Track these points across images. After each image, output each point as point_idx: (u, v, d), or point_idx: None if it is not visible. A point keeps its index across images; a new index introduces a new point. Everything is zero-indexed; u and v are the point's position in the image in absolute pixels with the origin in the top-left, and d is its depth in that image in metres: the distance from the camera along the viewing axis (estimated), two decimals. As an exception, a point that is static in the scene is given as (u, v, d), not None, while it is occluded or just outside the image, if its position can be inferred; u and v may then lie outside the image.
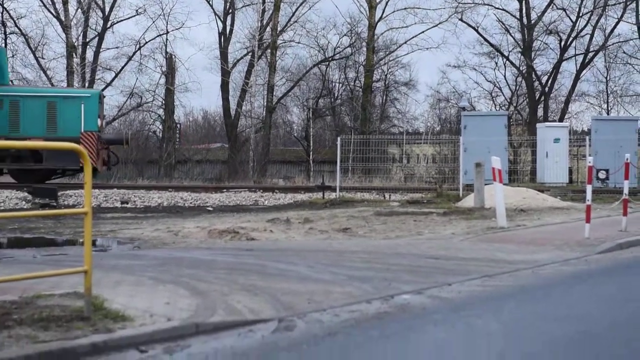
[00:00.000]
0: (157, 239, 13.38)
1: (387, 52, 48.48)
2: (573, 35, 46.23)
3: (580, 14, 45.73)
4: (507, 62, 48.37)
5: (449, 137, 40.35)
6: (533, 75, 46.99)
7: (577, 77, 47.10)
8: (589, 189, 13.08)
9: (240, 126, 47.37)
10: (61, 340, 5.23)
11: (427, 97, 66.10)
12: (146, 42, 45.67)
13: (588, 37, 46.40)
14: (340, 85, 51.46)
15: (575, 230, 13.48)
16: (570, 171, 30.89)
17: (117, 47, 45.80)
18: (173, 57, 45.30)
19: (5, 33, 43.82)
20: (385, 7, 46.21)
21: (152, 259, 10.27)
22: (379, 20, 46.03)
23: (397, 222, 15.94)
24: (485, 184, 19.12)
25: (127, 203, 22.72)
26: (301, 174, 43.18)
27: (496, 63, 49.32)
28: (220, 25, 46.25)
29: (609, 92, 50.61)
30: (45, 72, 43.73)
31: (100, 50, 45.12)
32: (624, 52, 47.81)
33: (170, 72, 44.50)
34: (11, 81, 31.62)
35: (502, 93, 50.83)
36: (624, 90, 50.48)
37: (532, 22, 45.93)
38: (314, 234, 14.20)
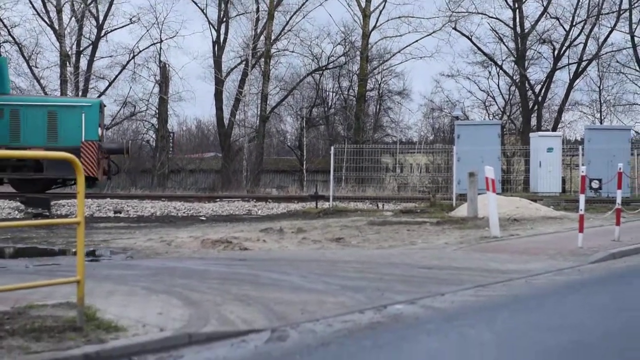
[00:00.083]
0: (150, 248, 13.36)
1: (381, 61, 48.59)
2: (566, 44, 46.37)
3: (574, 23, 45.91)
4: (500, 71, 48.52)
5: (443, 147, 40.38)
6: (526, 85, 47.11)
7: (570, 86, 47.24)
8: (582, 198, 13.09)
9: (234, 135, 47.35)
10: (53, 351, 5.21)
11: (420, 106, 66.32)
12: (140, 51, 45.69)
13: (581, 46, 46.57)
14: (334, 94, 51.61)
15: (568, 240, 13.49)
16: (564, 181, 30.90)
17: (110, 56, 45.80)
18: (167, 66, 45.26)
19: (-2, 42, 43.79)
20: (379, 16, 46.33)
21: (145, 268, 10.25)
22: (372, 29, 46.12)
23: (390, 231, 15.94)
24: (479, 194, 19.13)
25: (120, 213, 22.68)
26: (294, 183, 43.14)
27: (490, 72, 49.51)
28: (214, 34, 46.32)
29: (602, 102, 50.79)
30: (38, 81, 43.67)
31: (94, 59, 45.10)
32: (617, 62, 48.02)
33: (164, 81, 44.46)
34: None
35: (496, 102, 51.01)
36: (617, 99, 50.71)
37: (526, 31, 46.05)
38: (307, 243, 14.19)
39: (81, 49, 44.61)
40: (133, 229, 17.54)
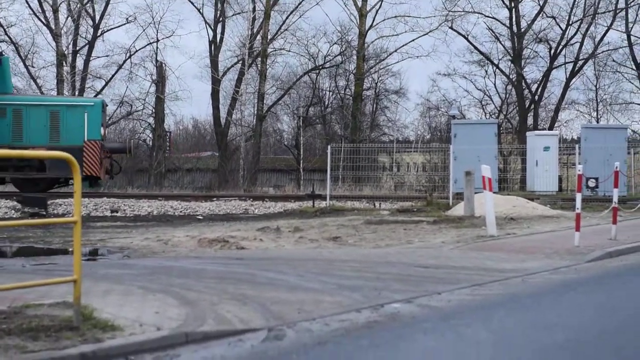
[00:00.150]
0: (146, 248, 13.35)
1: (378, 60, 48.62)
2: (563, 43, 46.37)
3: (570, 22, 45.93)
4: (497, 70, 48.56)
5: (439, 146, 40.35)
6: (523, 84, 47.12)
7: (566, 85, 47.28)
8: (578, 197, 13.11)
9: (231, 134, 47.38)
10: (50, 350, 5.21)
11: (417, 105, 66.35)
12: (136, 51, 45.68)
13: (578, 45, 46.57)
14: (331, 93, 51.56)
15: (565, 239, 13.51)
16: (560, 179, 30.91)
17: (107, 56, 45.78)
18: (163, 65, 45.26)
19: (-6, 41, 43.71)
20: (375, 15, 46.39)
21: (141, 268, 10.24)
22: (369, 29, 46.14)
23: (387, 230, 15.94)
24: (475, 193, 19.13)
25: (117, 212, 22.66)
26: (291, 182, 43.16)
27: (486, 71, 49.56)
28: (211, 33, 46.30)
29: (599, 100, 50.89)
30: (35, 81, 43.64)
31: (91, 58, 45.06)
32: (614, 60, 48.09)
33: (160, 80, 44.44)
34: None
35: (492, 101, 51.08)
36: (614, 98, 50.76)
37: (522, 30, 46.05)
38: (304, 242, 14.19)
39: (77, 48, 44.55)
40: (130, 228, 17.53)
